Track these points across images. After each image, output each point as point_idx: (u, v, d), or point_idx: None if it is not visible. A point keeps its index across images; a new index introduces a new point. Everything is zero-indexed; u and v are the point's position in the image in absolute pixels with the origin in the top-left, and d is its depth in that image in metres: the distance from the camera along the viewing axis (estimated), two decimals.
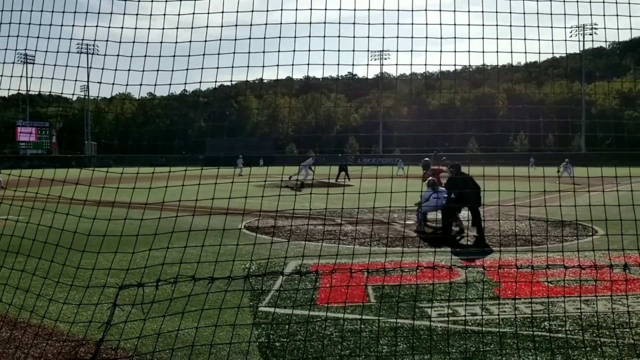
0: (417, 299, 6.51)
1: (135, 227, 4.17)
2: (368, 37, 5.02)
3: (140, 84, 5.10)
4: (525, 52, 5.32)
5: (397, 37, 5.06)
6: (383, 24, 5.04)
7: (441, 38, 5.06)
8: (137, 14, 4.96)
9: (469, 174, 12.23)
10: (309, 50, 4.98)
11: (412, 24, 5.07)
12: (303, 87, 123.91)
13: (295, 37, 4.92)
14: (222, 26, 5.01)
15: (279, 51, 4.98)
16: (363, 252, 9.39)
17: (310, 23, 4.93)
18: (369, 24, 5.05)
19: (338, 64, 5.01)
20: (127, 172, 4.24)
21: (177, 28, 4.97)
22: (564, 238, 11.04)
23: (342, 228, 12.62)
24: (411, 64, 5.13)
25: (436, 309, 6.21)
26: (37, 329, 5.27)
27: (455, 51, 5.11)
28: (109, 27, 5.03)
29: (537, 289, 6.91)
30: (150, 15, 4.82)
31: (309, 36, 4.94)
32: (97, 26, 5.07)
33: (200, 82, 5.22)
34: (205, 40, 5.05)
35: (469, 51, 5.19)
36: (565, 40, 5.72)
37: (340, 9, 4.94)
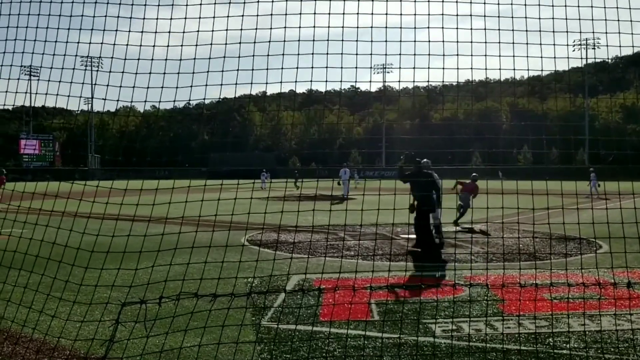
0: (421, 315, 6.48)
1: (139, 242, 4.17)
2: (371, 54, 5.06)
3: (145, 101, 5.15)
4: (528, 69, 5.35)
5: (400, 54, 5.10)
6: (386, 41, 5.08)
7: (444, 55, 5.09)
8: (142, 31, 5.01)
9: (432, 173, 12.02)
10: (312, 68, 5.01)
11: (415, 41, 5.11)
12: (306, 101, 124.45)
13: (298, 54, 4.96)
14: (225, 43, 5.06)
15: (282, 68, 5.01)
16: (366, 268, 9.36)
17: (313, 40, 4.97)
18: (371, 41, 5.09)
19: (341, 80, 5.05)
20: (131, 187, 4.26)
21: (182, 45, 5.01)
22: (567, 253, 10.99)
23: (345, 243, 12.59)
24: (414, 81, 5.17)
25: (440, 325, 6.18)
26: (40, 344, 5.26)
27: (457, 68, 5.14)
28: (114, 43, 5.07)
29: (541, 304, 6.88)
30: (155, 32, 4.87)
31: (312, 53, 4.97)
32: (102, 43, 5.12)
33: (204, 98, 5.28)
34: (209, 58, 5.08)
35: (471, 68, 5.23)
36: (568, 57, 5.77)
37: (342, 27, 4.98)
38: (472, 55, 5.22)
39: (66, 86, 5.18)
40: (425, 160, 12.84)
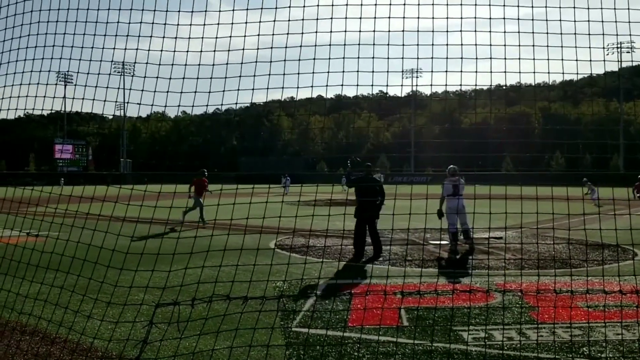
0: (452, 322, 6.40)
1: (172, 245, 4.22)
2: (402, 57, 5.03)
3: (179, 105, 5.21)
4: (563, 73, 5.24)
5: (432, 57, 5.06)
6: (417, 45, 5.04)
7: (476, 59, 5.03)
8: (175, 37, 5.08)
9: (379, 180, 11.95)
10: (342, 72, 5.01)
11: (447, 44, 5.06)
12: (334, 106, 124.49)
13: (329, 58, 4.97)
14: (257, 48, 5.10)
15: (313, 72, 5.02)
16: (396, 274, 9.30)
17: (344, 45, 4.97)
18: (402, 45, 5.07)
19: (372, 85, 5.03)
20: (164, 191, 4.32)
21: (215, 51, 5.07)
22: (604, 261, 10.73)
23: (372, 248, 12.52)
24: (446, 84, 5.11)
25: (471, 333, 6.09)
26: (74, 345, 5.36)
27: (490, 72, 5.07)
28: (149, 49, 5.16)
29: (576, 313, 6.72)
30: (189, 38, 4.94)
31: (343, 57, 4.97)
32: (137, 49, 5.22)
33: (236, 103, 5.31)
34: (241, 63, 5.13)
35: (505, 72, 5.15)
36: (604, 60, 5.61)
37: (374, 30, 4.97)
38: (505, 58, 5.15)
39: (99, 92, 5.29)
40: (452, 166, 12.76)
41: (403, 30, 5.06)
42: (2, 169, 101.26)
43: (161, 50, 5.01)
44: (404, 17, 4.97)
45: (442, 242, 13.02)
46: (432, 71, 5.17)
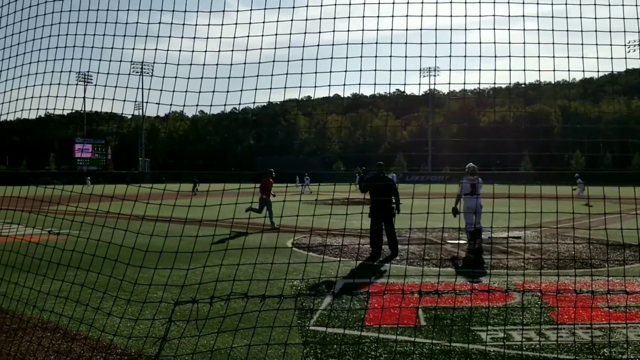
0: (470, 322, 6.36)
1: (190, 244, 4.26)
2: (420, 56, 5.01)
3: (197, 104, 5.25)
4: (583, 70, 5.17)
5: (450, 55, 5.03)
6: (435, 43, 5.01)
7: (495, 57, 4.99)
8: (194, 37, 5.12)
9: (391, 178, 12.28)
10: (360, 71, 5.00)
11: (465, 42, 5.03)
12: (351, 105, 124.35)
13: (347, 57, 4.96)
14: (275, 48, 5.11)
15: (330, 72, 5.02)
16: (413, 273, 9.26)
17: (362, 44, 4.96)
18: (420, 43, 5.04)
19: (390, 84, 5.01)
20: (183, 190, 4.35)
21: (232, 50, 5.10)
22: (625, 261, 10.57)
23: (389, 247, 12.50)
24: (465, 83, 5.08)
25: (490, 333, 6.04)
26: (95, 342, 5.43)
27: (510, 70, 5.02)
28: (168, 49, 5.20)
29: (597, 313, 6.63)
30: (207, 38, 4.97)
31: (361, 56, 4.96)
32: (156, 49, 5.27)
33: (253, 102, 5.34)
34: (259, 62, 5.15)
35: (524, 70, 5.10)
36: (625, 57, 5.53)
37: (392, 29, 4.96)
38: (524, 56, 5.10)
39: (118, 92, 5.35)
40: (470, 164, 12.65)
41: (421, 29, 5.04)
42: (23, 168, 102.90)
43: (179, 50, 5.05)
44: (421, 16, 4.95)
45: (460, 242, 12.94)
46: (450, 69, 5.14)
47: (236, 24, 5.06)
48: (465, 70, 5.01)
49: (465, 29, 5.05)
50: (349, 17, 4.89)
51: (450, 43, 5.04)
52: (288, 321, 6.11)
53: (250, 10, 5.04)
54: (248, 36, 5.04)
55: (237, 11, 5.11)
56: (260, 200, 15.29)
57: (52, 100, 5.52)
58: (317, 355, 5.34)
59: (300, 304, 7.04)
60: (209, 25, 5.03)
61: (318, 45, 4.99)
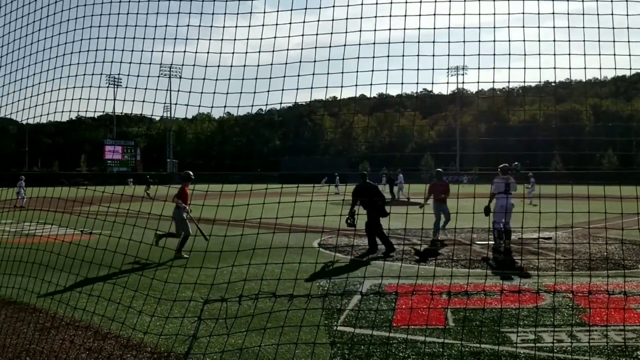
0: (499, 323, 6.27)
1: (219, 244, 4.30)
2: (449, 55, 4.96)
3: (225, 106, 5.30)
4: (615, 68, 5.06)
5: (479, 54, 4.97)
6: (464, 41, 4.96)
7: (525, 55, 4.91)
8: (222, 39, 5.16)
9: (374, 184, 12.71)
10: (387, 70, 4.98)
11: (494, 40, 4.97)
12: (377, 105, 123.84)
13: (373, 57, 4.95)
14: (301, 49, 5.12)
15: (357, 71, 5.01)
16: (442, 274, 9.19)
17: (389, 43, 4.93)
18: (448, 42, 5.00)
19: (417, 83, 4.98)
20: (211, 190, 4.40)
21: (259, 52, 5.12)
22: None
23: (418, 248, 12.42)
24: (494, 81, 5.01)
25: (520, 335, 5.95)
26: (125, 340, 5.52)
27: (540, 68, 4.94)
28: (196, 52, 5.26)
29: (629, 315, 6.48)
30: (235, 40, 5.01)
31: (388, 55, 4.94)
32: (185, 51, 5.32)
33: (280, 103, 5.35)
34: (286, 63, 5.17)
35: (554, 68, 5.01)
36: None
37: (419, 28, 4.92)
38: (554, 54, 5.01)
39: (147, 94, 5.41)
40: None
41: (449, 27, 4.99)
42: (55, 169, 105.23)
43: (207, 52, 5.09)
44: (449, 14, 4.90)
45: (489, 243, 12.79)
46: (479, 68, 5.07)
47: (263, 25, 5.09)
48: (494, 68, 4.95)
49: (494, 27, 4.99)
50: (375, 17, 4.88)
51: (479, 41, 4.99)
52: (315, 321, 6.12)
53: (277, 11, 5.06)
54: (275, 37, 5.06)
55: (264, 13, 5.14)
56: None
57: (83, 103, 5.63)
58: (344, 355, 5.33)
59: (327, 304, 7.04)
60: (236, 27, 5.07)
61: (345, 45, 4.98)
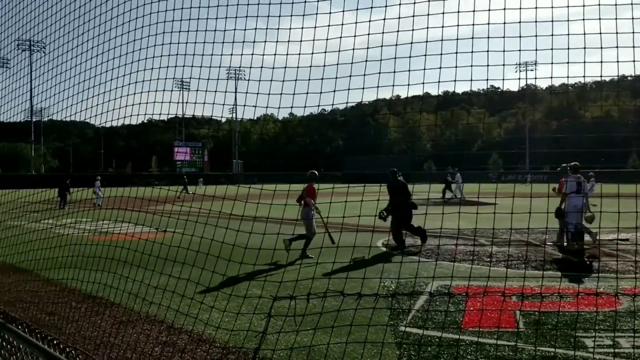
0: (572, 327, 6.04)
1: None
2: (520, 50, 4.82)
3: (291, 107, 5.37)
4: None
5: (552, 48, 4.80)
6: (536, 36, 4.80)
7: (601, 48, 4.70)
8: (288, 41, 5.24)
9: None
10: (456, 67, 4.89)
11: (568, 34, 4.78)
12: (442, 103, 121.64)
13: (441, 54, 4.88)
14: (367, 48, 5.12)
15: (424, 69, 4.95)
16: (513, 276, 8.94)
17: (457, 39, 4.85)
18: (519, 36, 4.85)
19: (487, 79, 4.86)
20: (279, 190, 4.48)
21: (325, 52, 5.16)
22: None
23: (485, 249, 12.14)
24: (568, 76, 4.81)
25: (596, 340, 5.71)
26: (196, 335, 5.71)
27: (617, 61, 4.71)
28: (263, 54, 5.36)
29: None
30: (301, 41, 5.07)
31: (456, 52, 4.85)
32: (252, 54, 5.43)
33: (346, 103, 5.36)
34: (352, 63, 5.18)
35: (633, 60, 4.76)
36: None
37: (488, 23, 4.81)
38: (633, 47, 4.76)
39: (214, 96, 5.55)
40: (574, 163, 12.10)
41: (520, 22, 4.84)
42: (128, 170, 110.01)
43: (274, 55, 5.17)
44: (520, 8, 4.76)
45: (563, 244, 12.32)
46: (552, 63, 4.89)
47: (329, 25, 5.12)
48: (568, 63, 4.76)
49: (568, 20, 4.80)
50: (443, 13, 4.81)
51: (552, 35, 4.81)
52: (381, 321, 6.11)
53: (343, 11, 5.08)
54: (340, 37, 5.08)
55: (330, 13, 5.17)
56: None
57: (155, 107, 5.86)
58: (410, 356, 5.30)
59: (394, 305, 7.01)
60: (302, 28, 5.12)
61: (411, 43, 4.93)
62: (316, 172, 11.64)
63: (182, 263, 4.63)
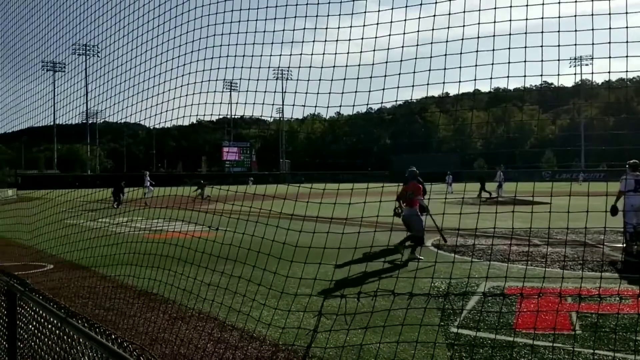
0: (632, 330, 5.80)
1: (336, 241, 4.39)
2: (575, 44, 4.66)
3: (340, 105, 5.37)
4: None
5: (609, 42, 4.62)
6: (592, 29, 4.64)
7: None
8: (336, 40, 5.24)
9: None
10: (509, 63, 4.78)
11: (627, 27, 4.60)
12: (492, 100, 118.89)
13: (493, 49, 4.77)
14: (417, 45, 5.06)
15: (475, 65, 4.86)
16: (569, 277, 8.67)
17: (510, 35, 4.74)
18: (575, 30, 4.70)
19: (541, 74, 4.74)
20: (328, 189, 4.49)
21: (374, 50, 5.14)
22: None
23: (539, 249, 11.81)
24: (627, 71, 4.63)
25: None
26: (247, 334, 5.79)
27: None
28: (312, 53, 5.38)
29: None
30: (350, 40, 5.06)
31: (509, 48, 4.74)
32: (301, 54, 5.46)
33: (396, 101, 5.33)
34: (401, 60, 5.13)
35: None
36: None
37: (542, 17, 4.68)
38: None
39: (261, 96, 5.61)
40: (633, 160, 11.63)
41: (575, 15, 4.69)
42: (179, 170, 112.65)
43: (322, 54, 5.19)
44: (575, 1, 4.61)
45: (621, 245, 11.85)
46: (609, 57, 4.71)
47: (377, 24, 5.09)
48: (627, 57, 4.57)
49: (627, 12, 4.61)
50: (495, 8, 4.71)
51: (610, 28, 4.64)
52: (432, 322, 6.04)
53: (392, 9, 5.05)
54: (389, 35, 5.05)
55: (378, 11, 5.14)
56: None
57: (203, 107, 5.98)
58: (462, 358, 5.21)
59: (445, 305, 6.91)
60: (350, 27, 5.12)
61: (462, 40, 4.85)
62: (416, 169, 11.76)
63: (233, 261, 4.71)
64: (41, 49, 8.58)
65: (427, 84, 5.08)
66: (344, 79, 5.13)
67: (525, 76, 4.66)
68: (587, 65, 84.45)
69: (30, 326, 3.92)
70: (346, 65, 5.14)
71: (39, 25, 8.47)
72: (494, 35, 4.69)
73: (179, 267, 5.45)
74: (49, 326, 3.50)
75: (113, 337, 2.61)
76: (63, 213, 7.70)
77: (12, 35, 9.46)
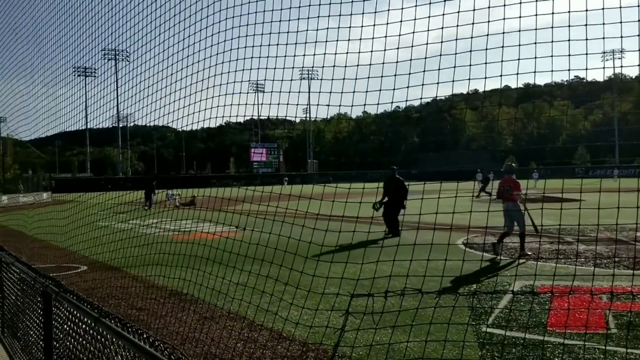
0: None
1: (363, 240, 4.38)
2: (604, 37, 4.56)
3: (364, 104, 5.35)
4: None
5: (639, 35, 4.51)
6: (621, 22, 4.53)
7: None
8: (360, 39, 5.23)
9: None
10: (535, 58, 4.70)
11: None
12: (523, 95, 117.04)
13: (519, 45, 4.70)
14: (441, 42, 5.02)
15: (502, 61, 4.80)
16: (602, 274, 8.48)
17: (536, 29, 4.66)
18: (603, 24, 4.60)
19: (569, 70, 4.63)
20: (353, 188, 4.49)
21: (398, 48, 5.11)
22: None
23: (571, 247, 11.58)
24: None
25: None
26: (275, 333, 5.82)
27: None
28: (335, 52, 5.38)
29: None
30: (373, 39, 5.04)
31: (535, 43, 4.66)
32: (325, 53, 5.47)
33: (421, 99, 5.29)
34: (425, 58, 5.10)
35: None
36: None
37: (569, 11, 4.59)
38: None
39: (288, 97, 5.63)
40: None
41: (603, 9, 4.59)
42: (208, 171, 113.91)
43: (347, 53, 5.18)
44: None
45: None
46: (639, 50, 4.59)
47: (401, 21, 5.06)
48: None
49: None
50: (520, 3, 4.63)
51: (639, 21, 4.52)
52: (462, 321, 5.98)
53: (415, 6, 5.01)
54: (413, 32, 5.01)
55: (402, 9, 5.11)
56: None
57: (232, 109, 6.03)
58: (494, 357, 5.15)
59: (475, 304, 6.84)
60: (374, 25, 5.10)
61: (487, 35, 4.78)
62: (513, 165, 12.04)
63: (261, 260, 4.74)
64: (72, 54, 8.76)
65: (453, 81, 5.02)
66: (368, 78, 5.11)
67: (552, 71, 4.57)
68: (619, 59, 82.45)
69: (65, 326, 4.02)
70: (370, 64, 5.12)
71: (69, 30, 8.66)
72: (519, 30, 4.61)
73: (208, 267, 5.51)
74: (83, 326, 3.58)
75: (145, 336, 2.66)
76: (95, 215, 7.87)
77: (45, 41, 9.69)
